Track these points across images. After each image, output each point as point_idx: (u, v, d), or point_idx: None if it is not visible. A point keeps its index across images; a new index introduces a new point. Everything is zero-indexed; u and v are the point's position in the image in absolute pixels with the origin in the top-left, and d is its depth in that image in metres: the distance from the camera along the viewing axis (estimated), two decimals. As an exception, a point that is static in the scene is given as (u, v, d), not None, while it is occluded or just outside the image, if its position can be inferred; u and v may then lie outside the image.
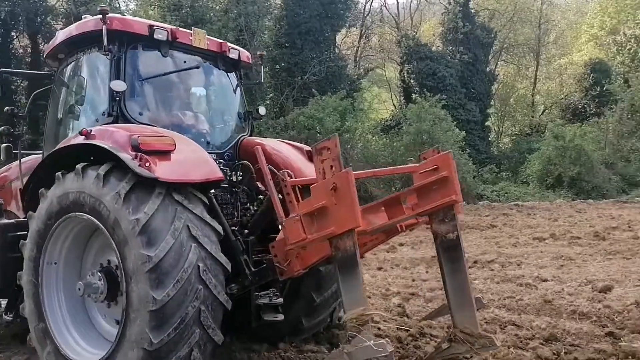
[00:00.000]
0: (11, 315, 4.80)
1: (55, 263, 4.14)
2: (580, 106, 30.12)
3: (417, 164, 4.12)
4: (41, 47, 21.87)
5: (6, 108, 5.10)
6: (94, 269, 4.05)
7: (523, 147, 29.64)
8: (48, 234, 4.01)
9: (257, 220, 4.38)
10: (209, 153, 4.20)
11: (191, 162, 3.88)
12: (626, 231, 12.30)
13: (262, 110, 5.44)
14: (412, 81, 28.76)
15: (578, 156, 23.83)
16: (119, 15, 4.60)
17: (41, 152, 5.28)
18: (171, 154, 3.75)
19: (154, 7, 23.04)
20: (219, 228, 3.76)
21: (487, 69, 31.31)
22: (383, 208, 3.92)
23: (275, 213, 3.78)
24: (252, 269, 4.01)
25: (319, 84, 24.34)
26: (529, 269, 8.45)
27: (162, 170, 3.59)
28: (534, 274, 7.91)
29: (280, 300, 4.44)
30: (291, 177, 4.07)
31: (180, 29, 4.70)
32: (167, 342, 3.36)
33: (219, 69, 5.15)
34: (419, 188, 3.84)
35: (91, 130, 3.95)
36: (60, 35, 4.89)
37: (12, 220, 4.96)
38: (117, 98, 4.27)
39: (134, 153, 3.61)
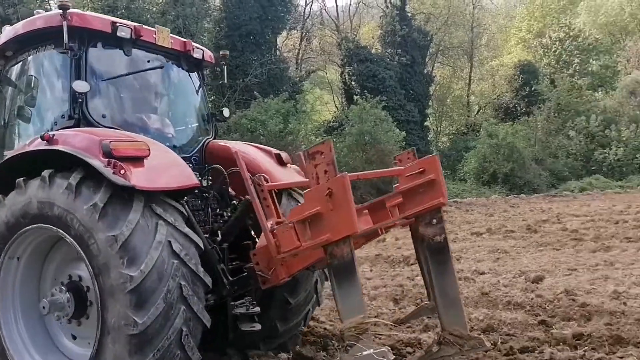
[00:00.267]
0: None
1: (12, 279, 3.83)
2: (511, 106, 31.61)
3: (402, 167, 4.02)
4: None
5: None
6: (57, 284, 3.73)
7: (460, 146, 30.80)
8: (5, 246, 3.71)
9: (232, 226, 4.20)
10: None
11: (167, 168, 3.66)
12: (555, 223, 13.05)
13: (226, 112, 5.27)
14: (353, 83, 29.20)
15: (511, 153, 25.02)
16: (79, 11, 4.26)
17: None
18: (145, 160, 3.49)
19: (87, 9, 22.16)
20: (199, 241, 3.55)
21: (425, 71, 32.29)
22: (367, 212, 3.88)
23: (251, 219, 3.67)
24: (230, 279, 3.84)
25: (260, 86, 24.24)
26: (468, 263, 8.81)
27: (138, 178, 3.33)
28: (472, 268, 8.27)
29: (257, 309, 4.18)
30: (267, 182, 3.93)
31: (144, 26, 4.43)
32: None
33: (183, 69, 4.92)
34: (405, 191, 3.75)
35: (54, 135, 3.65)
36: (9, 32, 4.50)
37: None
38: (80, 100, 3.98)
39: (106, 160, 3.34)
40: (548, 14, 37.88)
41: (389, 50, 30.49)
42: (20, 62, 4.49)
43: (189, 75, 5.00)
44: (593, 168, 26.11)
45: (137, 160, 3.46)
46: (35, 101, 4.42)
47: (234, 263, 4.08)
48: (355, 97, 26.66)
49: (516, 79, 31.49)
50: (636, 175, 24.62)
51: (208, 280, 3.52)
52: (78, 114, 4.01)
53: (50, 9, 23.48)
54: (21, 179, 3.63)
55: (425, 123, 32.44)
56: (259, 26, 25.03)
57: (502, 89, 34.42)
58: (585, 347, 4.52)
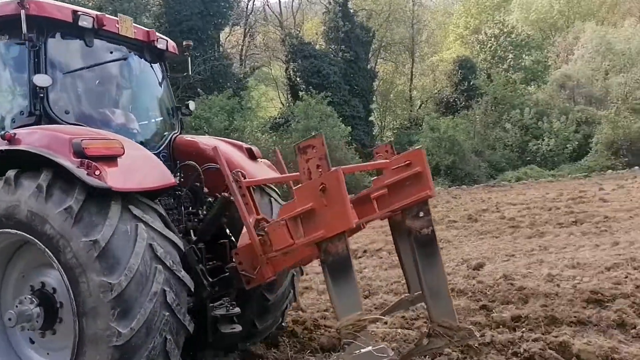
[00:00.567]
0: None
1: None
2: (451, 100, 32.63)
3: (387, 160, 3.95)
4: None
5: None
6: (23, 294, 3.45)
7: (404, 140, 31.51)
8: None
9: (208, 225, 4.03)
10: None
11: (142, 167, 3.47)
12: (494, 212, 13.66)
13: (192, 105, 5.02)
14: (298, 79, 29.26)
15: (452, 146, 25.87)
16: None
17: None
18: (119, 159, 3.29)
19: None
20: (180, 243, 3.39)
21: (368, 67, 32.79)
22: (352, 206, 3.74)
23: (227, 217, 3.57)
24: (210, 280, 3.69)
25: (204, 83, 23.87)
26: (414, 254, 9.07)
27: (114, 178, 3.14)
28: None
29: (238, 310, 4.07)
30: (245, 178, 3.79)
31: (106, 15, 4.19)
32: None
33: (146, 60, 4.68)
34: (391, 184, 3.69)
35: (15, 134, 3.40)
36: None
37: None
38: (41, 95, 3.71)
39: (78, 160, 3.13)
40: (483, 11, 39.39)
41: (333, 46, 30.74)
42: None
43: (153, 66, 4.79)
44: (528, 158, 27.39)
45: (110, 159, 3.26)
46: None
47: (210, 263, 3.95)
48: (300, 93, 26.76)
49: (455, 74, 32.47)
50: (567, 164, 26.06)
51: (190, 283, 3.38)
52: (39, 110, 3.76)
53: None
54: None
55: (370, 118, 32.99)
56: (201, 22, 24.61)
57: (442, 83, 35.46)
58: (523, 329, 4.79)
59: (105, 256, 2.99)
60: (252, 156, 4.64)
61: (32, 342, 3.60)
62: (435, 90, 36.06)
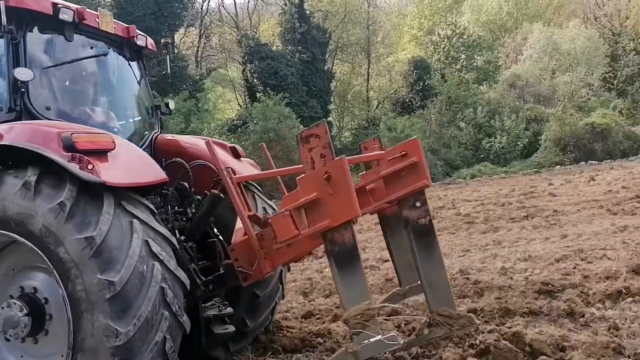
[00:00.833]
0: None
1: None
2: (407, 100, 33.18)
3: (382, 151, 3.90)
4: None
5: None
6: (6, 298, 3.29)
7: (362, 140, 31.73)
8: None
9: (198, 223, 3.94)
10: None
11: (134, 162, 3.38)
12: (450, 209, 13.99)
13: (171, 104, 4.95)
14: (255, 80, 29.12)
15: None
16: None
17: None
18: (109, 155, 3.19)
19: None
20: (174, 240, 3.31)
21: (325, 68, 32.99)
22: None
23: (214, 215, 3.48)
24: (202, 279, 3.63)
25: (159, 85, 23.38)
26: (373, 252, 9.22)
27: (107, 173, 3.04)
28: (377, 256, 8.67)
29: (230, 310, 3.98)
30: (235, 174, 3.73)
31: (86, 9, 4.06)
32: None
33: (125, 57, 4.57)
34: (387, 175, 3.66)
35: None
36: None
37: None
38: (22, 90, 3.56)
39: (69, 154, 3.02)
40: (436, 13, 40.25)
41: (290, 47, 30.76)
42: None
43: (132, 64, 4.68)
44: (482, 156, 28.16)
45: (101, 154, 3.16)
46: None
47: (200, 263, 3.89)
48: (258, 95, 26.65)
49: (410, 74, 32.99)
50: (518, 161, 26.95)
51: (186, 280, 3.29)
52: (20, 106, 3.61)
53: None
54: None
55: (328, 118, 33.16)
56: (155, 23, 24.15)
57: (398, 84, 35.98)
58: (479, 322, 4.93)
59: (101, 253, 2.89)
60: (236, 155, 4.62)
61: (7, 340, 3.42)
62: (392, 91, 36.57)
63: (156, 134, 4.72)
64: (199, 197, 4.16)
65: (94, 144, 3.16)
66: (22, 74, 3.54)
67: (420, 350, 4.33)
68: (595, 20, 37.70)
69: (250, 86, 29.89)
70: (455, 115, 29.48)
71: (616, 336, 4.23)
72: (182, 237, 3.84)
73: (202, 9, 33.61)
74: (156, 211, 3.47)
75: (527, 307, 5.12)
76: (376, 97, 39.44)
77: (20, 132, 3.25)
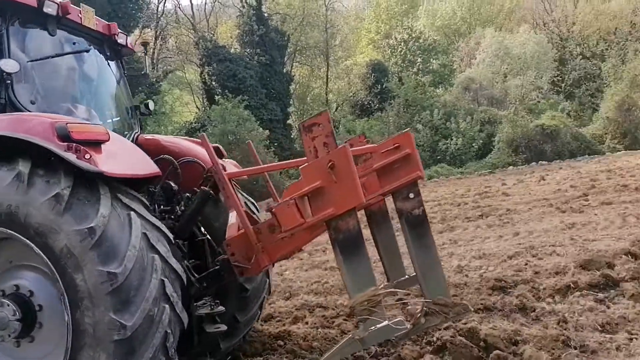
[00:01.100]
0: None
1: None
2: (366, 102, 33.58)
3: (375, 144, 3.90)
4: None
5: None
6: None
7: (321, 142, 31.97)
8: None
9: (188, 221, 3.89)
10: None
11: (128, 154, 3.31)
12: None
13: (151, 105, 4.87)
14: (213, 83, 28.82)
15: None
16: None
17: None
18: (103, 146, 3.11)
19: None
20: (169, 234, 3.24)
21: (284, 70, 32.98)
22: None
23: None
24: (196, 275, 3.58)
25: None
26: (332, 255, 9.24)
27: (105, 164, 2.96)
28: (337, 258, 8.71)
29: (222, 308, 3.93)
30: (225, 170, 3.67)
31: (70, 3, 3.97)
32: None
33: (106, 55, 4.49)
34: (380, 168, 3.67)
35: None
36: None
37: None
38: (8, 81, 3.45)
39: (65, 144, 2.93)
40: (393, 17, 40.94)
41: (248, 49, 30.60)
42: None
43: (112, 62, 4.61)
44: (438, 157, 28.75)
45: (96, 145, 3.08)
46: None
47: (190, 261, 3.83)
48: (216, 97, 26.37)
49: (369, 77, 33.43)
50: (473, 162, 27.68)
51: (183, 274, 3.23)
52: (4, 99, 3.50)
53: None
54: None
55: (288, 121, 33.18)
56: (108, 24, 23.53)
57: (356, 86, 36.38)
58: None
59: (102, 244, 2.81)
60: (219, 154, 4.53)
61: None
62: (351, 93, 36.93)
63: (136, 134, 4.66)
64: (188, 194, 4.09)
65: (89, 134, 3.08)
66: (7, 65, 3.44)
67: (380, 349, 4.40)
68: (544, 26, 39.23)
69: (208, 89, 29.56)
70: (413, 118, 30.00)
71: (565, 329, 4.42)
72: (172, 235, 3.81)
73: (157, 10, 33.03)
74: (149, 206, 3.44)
75: (481, 303, 5.28)
76: (335, 99, 39.73)
77: (10, 122, 3.14)
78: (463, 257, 7.64)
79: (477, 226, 10.49)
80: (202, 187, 3.85)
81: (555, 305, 5.05)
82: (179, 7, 36.76)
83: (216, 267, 3.63)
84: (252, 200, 4.73)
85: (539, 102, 31.69)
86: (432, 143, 29.22)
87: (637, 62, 29.51)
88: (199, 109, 33.32)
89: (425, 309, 3.59)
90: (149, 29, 31.96)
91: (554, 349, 4.07)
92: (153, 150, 4.30)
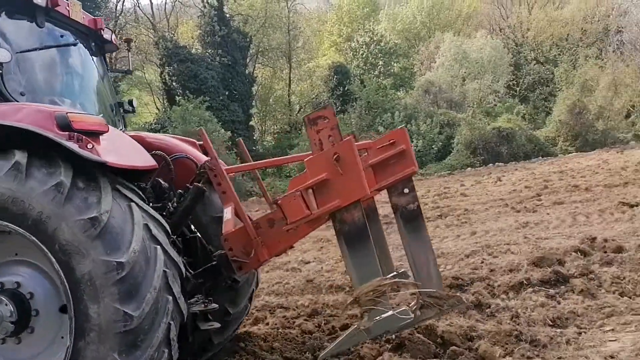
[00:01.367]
0: None
1: None
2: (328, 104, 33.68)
3: (371, 141, 3.97)
4: None
5: None
6: None
7: (285, 144, 31.97)
8: None
9: (181, 217, 3.83)
10: None
11: (126, 147, 3.28)
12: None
13: (134, 102, 4.83)
14: (174, 83, 28.35)
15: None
16: None
17: None
18: (101, 137, 3.09)
19: None
20: (167, 226, 3.23)
21: (247, 72, 32.75)
22: None
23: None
24: (191, 272, 3.54)
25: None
26: (294, 255, 9.30)
27: (106, 154, 2.93)
28: (298, 259, 8.77)
29: (215, 306, 3.89)
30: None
31: None
32: None
33: (91, 50, 4.41)
34: (376, 164, 3.71)
35: None
36: None
37: None
38: (0, 72, 3.36)
39: (66, 133, 2.88)
40: (355, 20, 41.29)
41: (210, 50, 30.26)
42: None
43: (97, 57, 4.55)
44: (400, 159, 29.14)
45: (95, 135, 3.05)
46: None
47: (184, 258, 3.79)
48: (177, 98, 25.94)
49: (331, 79, 33.56)
50: (433, 163, 28.17)
51: (182, 266, 3.21)
52: None
53: None
54: None
55: (250, 123, 32.97)
56: (63, 21, 22.82)
57: (319, 89, 36.48)
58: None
59: (106, 234, 2.78)
60: (206, 152, 4.57)
61: None
62: (313, 95, 37.00)
63: (122, 131, 4.60)
64: (180, 191, 4.06)
65: (89, 124, 3.04)
66: (0, 55, 3.35)
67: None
68: (500, 32, 40.39)
69: (168, 89, 29.06)
70: (374, 120, 30.31)
71: (518, 324, 4.57)
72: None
73: (116, 9, 32.24)
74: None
75: (439, 301, 5.39)
76: (298, 101, 39.74)
77: (10, 112, 3.05)
78: (422, 257, 7.78)
79: (436, 226, 10.70)
80: (195, 184, 3.83)
81: (509, 302, 5.22)
82: (139, 6, 36.05)
83: (213, 263, 3.63)
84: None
85: (495, 105, 32.58)
86: (393, 145, 29.50)
87: (587, 68, 30.78)
88: (159, 110, 32.71)
89: (420, 301, 3.66)
90: (107, 28, 31.17)
91: (507, 344, 4.21)
92: (146, 148, 4.26)
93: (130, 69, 5.31)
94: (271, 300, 6.28)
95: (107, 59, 4.81)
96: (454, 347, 4.15)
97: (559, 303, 5.12)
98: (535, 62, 37.21)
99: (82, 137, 2.96)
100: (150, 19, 35.39)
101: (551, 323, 4.65)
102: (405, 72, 36.42)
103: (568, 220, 9.44)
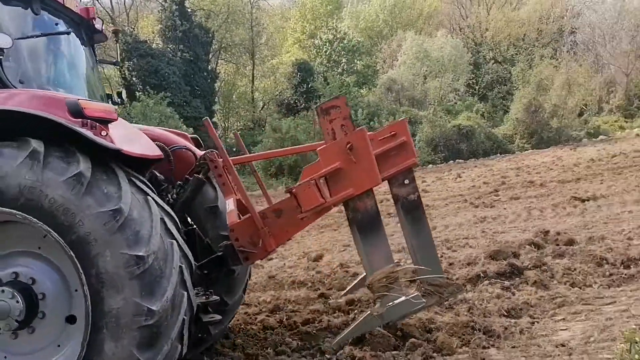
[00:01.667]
0: None
1: None
2: (292, 101, 33.67)
3: (373, 132, 3.95)
4: None
5: None
6: None
7: (248, 141, 31.69)
8: None
9: (181, 209, 3.79)
10: None
11: (134, 136, 3.18)
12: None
13: (124, 94, 4.72)
14: (134, 79, 27.69)
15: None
16: None
17: None
18: (110, 125, 2.98)
19: None
20: (177, 220, 3.14)
21: (209, 67, 32.32)
22: None
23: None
24: (195, 263, 3.45)
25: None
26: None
27: (120, 142, 2.83)
28: (261, 255, 8.73)
29: (217, 298, 3.86)
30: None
31: None
32: None
33: (83, 39, 4.29)
34: (377, 155, 3.68)
35: None
36: None
37: None
38: (0, 57, 3.23)
39: (78, 120, 2.78)
40: (318, 17, 41.32)
41: (171, 45, 29.72)
42: None
43: (88, 48, 4.43)
44: (363, 156, 29.39)
45: (105, 123, 2.96)
46: None
47: None
48: (137, 94, 25.36)
49: (294, 76, 33.51)
50: (396, 160, 28.59)
51: (193, 261, 3.19)
52: None
53: None
54: None
55: (213, 119, 32.55)
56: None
57: (283, 85, 36.35)
58: (356, 311, 5.21)
59: (127, 227, 2.71)
60: (198, 144, 4.53)
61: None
62: (277, 92, 36.87)
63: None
64: (180, 182, 3.99)
65: (100, 111, 2.97)
66: (1, 40, 3.20)
67: (301, 343, 4.46)
68: (460, 31, 41.24)
69: (128, 85, 28.37)
70: (338, 117, 30.41)
71: (474, 315, 4.71)
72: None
73: (71, 0, 31.22)
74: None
75: (399, 295, 5.50)
76: (261, 98, 39.50)
77: (17, 98, 2.94)
78: (384, 252, 7.90)
79: (397, 221, 10.83)
80: (195, 175, 3.80)
81: (466, 294, 5.36)
82: (97, 0, 34.97)
83: (218, 254, 3.61)
84: None
85: (455, 103, 33.27)
86: (356, 142, 29.74)
87: (542, 67, 31.77)
88: (118, 106, 31.92)
89: (422, 289, 3.76)
90: (99, 18, 30.17)
91: (464, 335, 4.34)
92: None
93: (119, 59, 5.23)
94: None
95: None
96: (412, 339, 4.24)
97: (513, 294, 5.29)
98: (493, 61, 38.17)
99: (96, 124, 2.88)
100: (109, 12, 34.42)
101: (506, 314, 4.80)
102: (368, 70, 36.71)
103: (523, 215, 9.76)
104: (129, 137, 3.28)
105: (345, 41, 36.25)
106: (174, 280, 2.84)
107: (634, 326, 4.13)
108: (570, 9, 37.49)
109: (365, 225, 3.33)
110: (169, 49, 29.67)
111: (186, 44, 29.49)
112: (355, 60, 36.20)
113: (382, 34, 40.61)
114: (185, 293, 2.96)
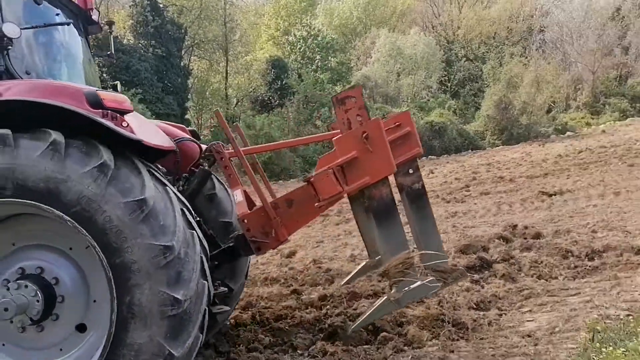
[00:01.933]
0: None
1: None
2: (266, 98, 33.55)
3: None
4: None
5: None
6: (8, 280, 2.89)
7: (221, 138, 31.43)
8: None
9: (188, 200, 3.59)
10: None
11: (149, 127, 3.17)
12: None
13: (119, 87, 4.68)
14: (104, 75, 27.11)
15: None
16: None
17: None
18: (126, 117, 2.99)
19: None
20: (192, 212, 3.11)
21: (182, 64, 31.92)
22: None
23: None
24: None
25: None
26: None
27: (140, 133, 2.82)
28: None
29: (225, 289, 3.86)
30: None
31: None
32: (187, 352, 2.73)
33: (80, 31, 4.26)
34: None
35: None
36: None
37: None
38: (9, 47, 3.19)
39: (98, 111, 2.77)
40: (292, 14, 41.21)
41: (143, 41, 29.22)
42: None
43: (85, 39, 4.36)
44: (337, 153, 29.48)
45: (124, 114, 2.95)
46: None
47: None
48: (108, 90, 24.86)
49: (269, 73, 33.38)
50: (370, 157, 28.79)
51: (208, 253, 3.19)
52: (3, 66, 3.24)
53: None
54: None
55: (186, 116, 32.17)
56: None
57: (257, 82, 36.17)
58: (328, 306, 5.25)
59: (151, 217, 2.69)
60: (196, 137, 4.56)
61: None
62: (251, 89, 36.65)
63: None
64: (185, 174, 4.01)
65: (118, 103, 2.95)
66: (10, 29, 3.15)
67: (274, 340, 4.48)
68: (433, 29, 41.69)
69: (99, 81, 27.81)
70: (312, 114, 30.49)
71: (444, 308, 4.79)
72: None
73: (38, -6, 30.41)
74: None
75: (371, 290, 5.57)
76: (235, 94, 39.21)
77: (32, 88, 2.88)
78: (356, 247, 7.97)
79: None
80: (201, 167, 3.81)
81: (436, 287, 5.46)
82: (64, -7, 34.20)
83: (230, 245, 3.63)
84: (223, 182, 4.67)
85: (428, 100, 33.66)
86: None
87: (512, 65, 32.39)
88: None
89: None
90: (96, 9, 29.37)
91: (434, 328, 4.42)
92: None
93: (112, 51, 5.21)
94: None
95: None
96: (384, 333, 4.30)
97: (482, 287, 5.41)
98: (465, 59, 38.72)
99: (117, 115, 2.87)
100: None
101: (475, 306, 4.91)
102: (342, 67, 36.79)
103: (493, 210, 9.96)
104: (145, 128, 3.28)
105: (319, 38, 36.24)
106: (197, 269, 2.86)
107: (596, 316, 4.27)
108: (539, 7, 38.27)
109: (381, 212, 3.40)
110: (140, 44, 29.18)
111: (158, 40, 29.04)
112: (330, 57, 36.23)
113: (356, 31, 40.75)
114: (206, 283, 2.99)
